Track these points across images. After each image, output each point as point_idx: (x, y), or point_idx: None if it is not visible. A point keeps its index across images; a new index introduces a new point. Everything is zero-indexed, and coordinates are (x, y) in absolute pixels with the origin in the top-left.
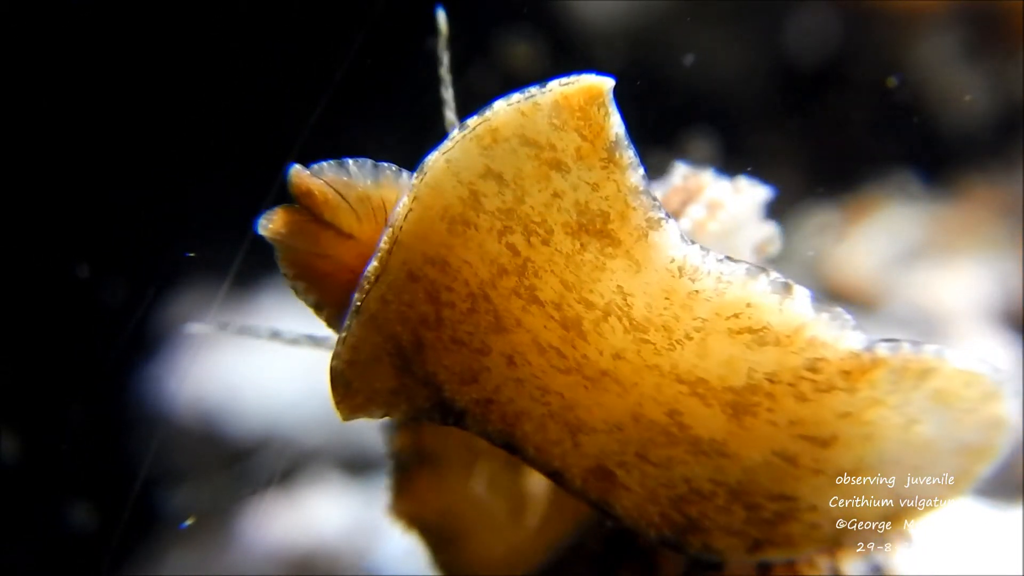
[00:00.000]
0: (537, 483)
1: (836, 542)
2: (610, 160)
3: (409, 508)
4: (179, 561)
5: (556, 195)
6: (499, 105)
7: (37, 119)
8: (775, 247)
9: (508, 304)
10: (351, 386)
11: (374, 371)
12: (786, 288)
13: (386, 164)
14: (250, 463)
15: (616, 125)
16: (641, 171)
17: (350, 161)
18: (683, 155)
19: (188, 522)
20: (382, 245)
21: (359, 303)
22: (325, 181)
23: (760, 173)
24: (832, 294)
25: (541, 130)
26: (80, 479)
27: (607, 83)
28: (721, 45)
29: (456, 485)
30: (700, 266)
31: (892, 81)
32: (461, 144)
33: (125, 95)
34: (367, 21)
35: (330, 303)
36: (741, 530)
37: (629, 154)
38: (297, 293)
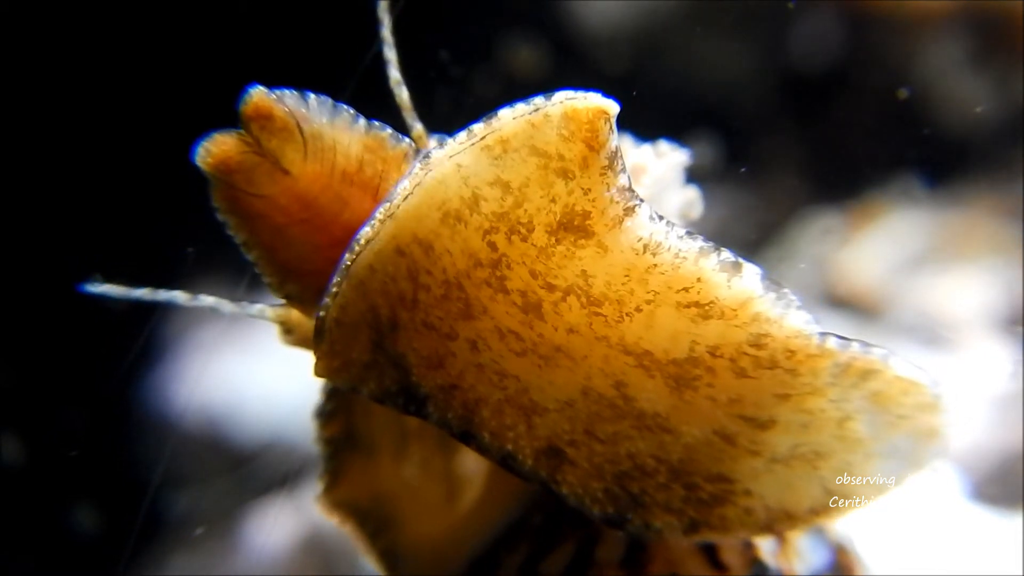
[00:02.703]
0: (470, 463)
1: (768, 528)
2: (609, 168)
3: (343, 495)
4: (183, 565)
5: (552, 200)
6: (506, 115)
7: (47, 127)
8: (697, 211)
9: (479, 293)
10: (334, 346)
11: (355, 339)
12: (736, 266)
13: (344, 106)
14: (254, 468)
15: (617, 137)
16: (628, 173)
17: (311, 94)
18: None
19: (198, 531)
20: (377, 215)
21: (349, 263)
22: (288, 107)
23: (765, 178)
24: (837, 300)
25: (551, 140)
26: (84, 483)
27: (614, 105)
28: (725, 50)
29: (388, 469)
30: (663, 241)
31: (903, 93)
32: (471, 151)
33: (128, 101)
34: (374, 25)
35: (259, 244)
36: (679, 509)
37: (623, 161)
38: (227, 229)
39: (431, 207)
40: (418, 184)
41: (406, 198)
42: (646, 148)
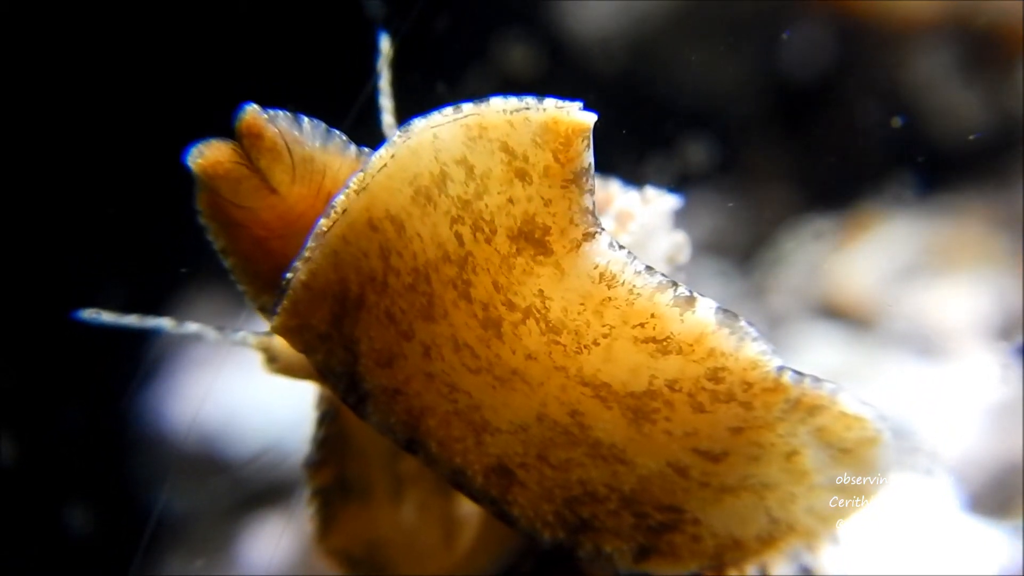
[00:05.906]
0: (468, 506)
1: (718, 559)
2: (574, 183)
3: (336, 544)
4: (179, 568)
5: (511, 201)
6: (495, 104)
7: (52, 136)
8: (685, 255)
9: (443, 292)
10: (296, 306)
11: (318, 306)
12: (689, 301)
13: (337, 132)
14: (250, 484)
15: (590, 156)
16: (594, 196)
17: (305, 118)
18: (681, 159)
19: (198, 563)
20: (352, 185)
21: (325, 228)
22: (278, 129)
23: (756, 185)
24: (831, 311)
25: (522, 142)
26: (80, 485)
27: (591, 119)
28: (717, 56)
29: (384, 514)
30: (618, 274)
31: (896, 121)
32: (451, 126)
33: (130, 110)
34: (377, 40)
35: (236, 252)
36: (629, 535)
37: (591, 181)
38: (207, 232)
39: (403, 181)
40: (393, 155)
41: (381, 169)
42: (633, 194)
